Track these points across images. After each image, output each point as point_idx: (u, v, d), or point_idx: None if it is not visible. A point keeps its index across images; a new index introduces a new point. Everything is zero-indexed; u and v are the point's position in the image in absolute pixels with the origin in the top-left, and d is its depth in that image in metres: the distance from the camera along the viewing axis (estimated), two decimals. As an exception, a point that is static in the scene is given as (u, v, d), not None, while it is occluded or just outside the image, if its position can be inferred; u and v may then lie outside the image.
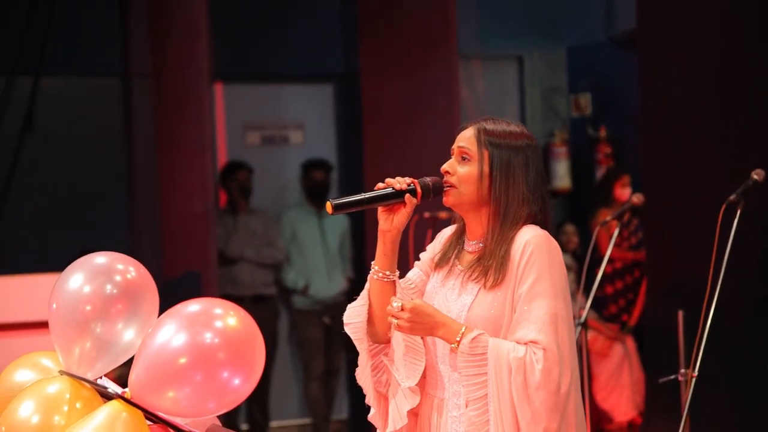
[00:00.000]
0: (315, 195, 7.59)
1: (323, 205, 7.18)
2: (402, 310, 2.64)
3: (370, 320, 2.77)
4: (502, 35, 8.99)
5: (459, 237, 2.83)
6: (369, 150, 6.79)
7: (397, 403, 2.74)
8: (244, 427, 7.67)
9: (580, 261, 7.50)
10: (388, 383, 2.80)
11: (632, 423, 7.78)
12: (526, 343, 2.62)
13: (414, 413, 2.78)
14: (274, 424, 7.73)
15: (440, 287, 2.79)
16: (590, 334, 7.81)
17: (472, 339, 2.63)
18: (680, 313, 4.37)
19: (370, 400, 2.82)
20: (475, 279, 2.71)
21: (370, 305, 2.77)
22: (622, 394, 7.77)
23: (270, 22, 8.00)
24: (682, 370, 4.24)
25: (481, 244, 2.76)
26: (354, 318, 2.78)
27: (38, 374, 2.64)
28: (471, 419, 2.63)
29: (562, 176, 8.97)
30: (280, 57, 8.02)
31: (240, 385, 2.36)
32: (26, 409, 2.45)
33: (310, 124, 8.18)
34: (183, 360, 2.31)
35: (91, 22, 7.51)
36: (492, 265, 2.69)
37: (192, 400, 2.32)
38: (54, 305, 2.57)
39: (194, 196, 6.13)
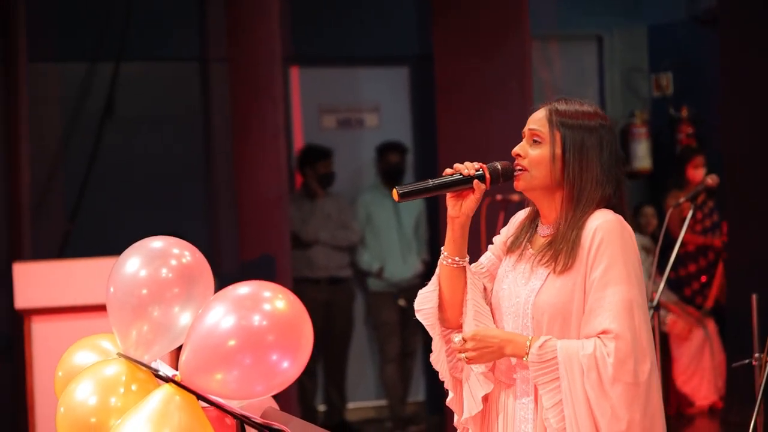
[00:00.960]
0: (390, 178, 7.60)
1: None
2: (464, 342, 2.61)
3: (441, 306, 2.73)
4: (580, 14, 8.87)
5: (532, 221, 2.77)
6: (443, 132, 6.76)
7: (471, 388, 2.71)
8: (322, 408, 7.73)
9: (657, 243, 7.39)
10: (462, 368, 2.76)
11: (713, 407, 7.67)
12: (597, 335, 2.55)
13: (485, 398, 2.74)
14: (350, 405, 7.78)
15: (511, 271, 2.73)
16: (670, 318, 7.71)
17: (540, 346, 2.58)
18: (754, 297, 4.28)
19: (447, 384, 2.79)
20: (545, 263, 2.66)
21: (440, 291, 2.73)
22: (703, 378, 7.66)
23: (345, 5, 8.01)
24: (756, 355, 4.16)
25: (554, 229, 2.69)
26: (425, 304, 2.74)
27: (98, 356, 2.70)
28: (552, 426, 2.58)
29: (642, 157, 8.84)
30: (355, 40, 8.03)
31: (288, 368, 2.37)
32: (84, 391, 2.50)
33: (385, 106, 8.18)
34: (232, 342, 2.34)
35: (169, 7, 7.59)
36: (562, 249, 2.62)
37: (240, 382, 2.34)
38: (111, 289, 2.62)
39: (268, 181, 6.17)
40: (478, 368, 2.69)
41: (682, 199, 4.93)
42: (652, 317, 4.81)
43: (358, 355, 7.81)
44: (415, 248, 7.61)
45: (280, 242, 6.08)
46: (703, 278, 7.76)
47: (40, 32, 7.26)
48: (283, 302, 2.38)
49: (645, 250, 7.73)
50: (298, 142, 7.94)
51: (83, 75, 7.43)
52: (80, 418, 2.47)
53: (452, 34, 6.70)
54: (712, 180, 4.96)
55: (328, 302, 7.47)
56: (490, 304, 2.75)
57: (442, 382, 2.83)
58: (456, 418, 2.79)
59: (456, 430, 2.82)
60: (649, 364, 2.55)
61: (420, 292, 2.77)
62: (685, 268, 7.83)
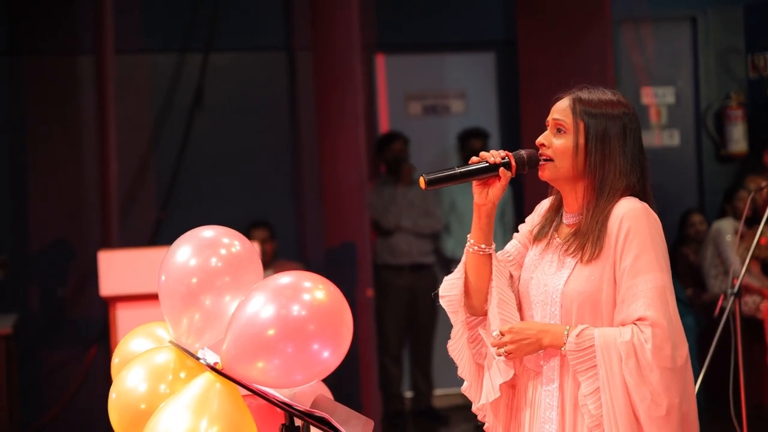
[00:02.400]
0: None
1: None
2: (501, 335, 2.63)
3: (466, 292, 2.76)
4: (673, -5, 8.72)
5: (557, 209, 2.79)
6: (526, 118, 6.72)
7: (491, 375, 2.73)
8: (408, 394, 7.76)
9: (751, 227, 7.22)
10: (485, 355, 2.79)
11: (810, 396, 7.48)
12: (633, 323, 2.57)
13: (512, 386, 2.77)
14: (437, 392, 7.79)
15: (539, 260, 2.75)
16: (764, 304, 7.53)
17: (578, 335, 2.60)
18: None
19: (463, 372, 2.82)
20: (572, 253, 2.67)
21: (466, 278, 2.75)
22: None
23: (430, -9, 8.00)
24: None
25: (579, 217, 2.70)
26: (450, 291, 2.77)
27: (153, 343, 2.76)
28: (590, 413, 2.59)
29: (738, 140, 8.65)
30: (440, 26, 8.01)
31: (328, 358, 2.39)
32: (135, 378, 2.56)
33: (471, 92, 8.14)
34: (271, 332, 2.36)
35: (256, -2, 7.69)
36: (589, 239, 2.64)
37: (280, 371, 2.37)
38: (162, 277, 2.67)
39: (349, 168, 6.21)
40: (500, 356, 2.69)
41: (764, 184, 4.84)
42: (733, 303, 4.74)
43: (444, 341, 7.77)
44: (500, 235, 7.57)
45: (361, 229, 6.11)
46: None
47: (131, 25, 7.42)
48: (322, 293, 2.41)
49: (741, 235, 7.57)
50: (384, 130, 7.96)
51: (173, 66, 7.57)
52: (131, 404, 2.53)
53: (535, 20, 6.65)
54: (795, 164, 4.84)
55: (411, 289, 7.49)
56: (517, 292, 2.78)
57: (459, 372, 2.85)
58: (474, 405, 2.82)
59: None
60: (685, 349, 2.57)
61: (445, 278, 2.80)
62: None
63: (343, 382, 6.76)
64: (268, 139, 7.69)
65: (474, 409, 2.84)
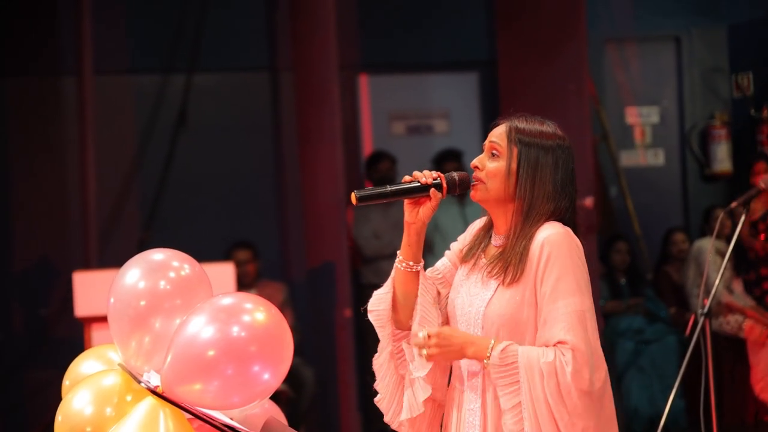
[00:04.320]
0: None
1: (464, 194, 7.17)
2: (429, 337, 2.66)
3: (394, 307, 2.82)
4: (657, 15, 8.75)
5: (487, 231, 2.84)
6: (506, 138, 6.75)
7: (414, 391, 2.78)
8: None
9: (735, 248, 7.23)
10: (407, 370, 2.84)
11: (793, 415, 7.47)
12: (555, 344, 2.63)
13: (440, 404, 2.82)
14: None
15: (464, 280, 2.81)
16: (747, 323, 7.53)
17: (502, 350, 2.65)
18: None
19: (380, 385, 2.88)
20: (495, 275, 2.73)
21: (394, 293, 2.82)
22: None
23: (413, 12, 8.03)
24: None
25: (506, 239, 2.76)
26: (378, 305, 2.85)
27: (103, 365, 2.76)
28: (508, 427, 2.64)
29: (722, 159, 8.67)
30: (423, 46, 8.04)
31: (269, 379, 2.40)
32: (81, 400, 2.56)
33: (454, 112, 8.17)
34: (211, 353, 2.37)
35: (239, 18, 7.71)
36: (511, 261, 2.70)
37: (219, 392, 2.37)
38: (111, 300, 2.68)
39: (327, 188, 6.23)
40: (419, 372, 2.75)
41: (733, 204, 4.85)
42: (703, 324, 4.74)
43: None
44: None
45: (339, 249, 6.13)
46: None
47: (114, 45, 7.45)
48: (263, 314, 2.41)
49: (719, 253, 7.58)
50: (368, 150, 7.98)
51: (157, 86, 7.59)
52: (76, 427, 2.53)
53: (515, 40, 6.69)
54: (765, 183, 4.85)
55: (395, 308, 7.48)
56: (444, 310, 2.83)
57: (375, 385, 2.91)
58: (386, 416, 2.89)
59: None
60: (603, 373, 2.63)
61: (375, 293, 2.88)
62: (757, 271, 7.65)
63: (321, 402, 6.76)
64: (252, 159, 7.71)
65: (386, 419, 2.90)
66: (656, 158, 8.80)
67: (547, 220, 2.71)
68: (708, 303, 4.73)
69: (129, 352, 2.65)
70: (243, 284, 6.77)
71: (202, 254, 5.19)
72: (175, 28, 7.53)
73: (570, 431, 2.58)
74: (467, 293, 2.76)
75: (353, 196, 2.73)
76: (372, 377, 8.15)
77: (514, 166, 2.72)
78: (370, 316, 2.86)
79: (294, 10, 7.01)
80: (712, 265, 6.79)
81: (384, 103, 8.05)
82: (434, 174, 2.77)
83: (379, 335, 2.87)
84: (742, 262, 7.49)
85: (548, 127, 2.77)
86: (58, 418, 2.59)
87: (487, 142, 2.78)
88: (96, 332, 5.30)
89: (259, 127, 7.74)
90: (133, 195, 7.57)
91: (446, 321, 2.82)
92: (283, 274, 7.58)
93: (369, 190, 2.75)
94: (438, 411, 2.83)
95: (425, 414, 2.80)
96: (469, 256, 2.83)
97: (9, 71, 7.39)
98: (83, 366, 2.78)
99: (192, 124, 7.61)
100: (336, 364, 6.18)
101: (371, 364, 8.51)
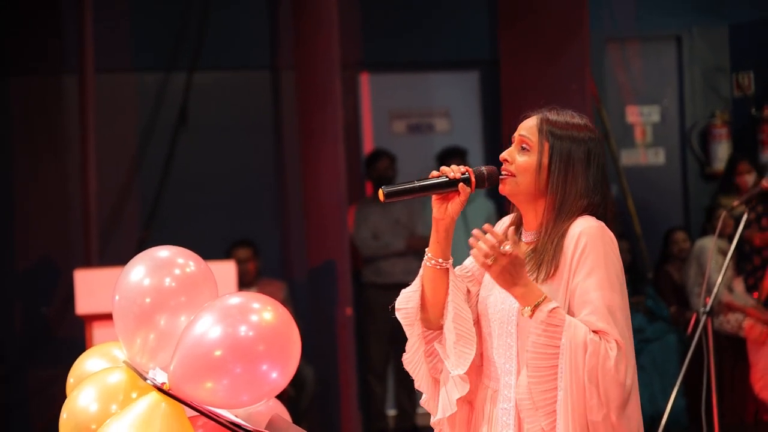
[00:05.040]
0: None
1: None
2: (505, 255, 2.54)
3: (422, 306, 2.75)
4: (659, 15, 8.76)
5: (517, 227, 2.78)
6: (507, 137, 6.75)
7: (447, 390, 2.72)
8: (392, 413, 7.75)
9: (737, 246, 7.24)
10: (441, 369, 2.78)
11: (793, 414, 7.48)
12: (597, 331, 2.57)
13: (469, 402, 2.77)
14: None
15: None
16: (747, 322, 7.54)
17: (552, 309, 2.56)
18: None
19: (420, 385, 2.81)
20: (528, 272, 2.65)
21: (422, 291, 2.74)
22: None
23: (415, 11, 8.04)
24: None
25: (537, 235, 2.70)
26: (406, 304, 2.76)
27: (108, 363, 2.76)
28: (525, 385, 2.58)
29: (722, 158, 8.67)
30: (425, 45, 8.04)
31: (277, 378, 2.40)
32: (86, 397, 2.56)
33: (455, 111, 8.17)
34: (218, 352, 2.37)
35: (241, 17, 7.72)
36: (545, 257, 2.64)
37: (228, 391, 2.37)
38: (116, 297, 2.68)
39: (329, 187, 6.23)
40: (456, 371, 2.70)
41: (736, 203, 4.86)
42: (705, 321, 4.75)
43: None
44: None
45: (340, 247, 6.13)
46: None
47: (116, 43, 7.45)
48: (270, 314, 2.41)
49: (721, 252, 7.58)
50: (368, 148, 7.98)
51: (158, 85, 7.60)
52: (81, 425, 2.54)
53: (517, 40, 6.69)
54: (767, 182, 4.86)
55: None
56: (475, 308, 2.77)
57: (417, 385, 2.83)
58: (432, 417, 2.81)
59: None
60: (633, 371, 2.59)
61: (402, 291, 2.79)
62: (751, 262, 7.67)
63: (322, 401, 6.76)
64: (253, 158, 7.71)
65: (432, 422, 2.83)
66: (657, 157, 8.81)
67: (581, 215, 2.65)
68: (710, 302, 4.73)
69: (134, 349, 2.65)
70: (243, 283, 6.77)
71: (202, 253, 5.18)
72: (177, 27, 7.54)
73: (591, 412, 2.53)
74: (500, 291, 2.68)
75: (381, 192, 2.66)
76: (373, 377, 8.12)
77: (545, 160, 2.65)
78: (398, 315, 2.77)
79: (296, 9, 7.01)
80: (714, 264, 6.80)
81: (385, 102, 8.06)
82: (462, 168, 2.71)
83: (408, 334, 2.79)
84: (745, 261, 7.51)
85: (580, 120, 2.70)
86: (63, 415, 2.59)
87: (516, 134, 2.72)
88: (97, 330, 5.30)
89: (260, 126, 7.74)
90: (133, 194, 7.57)
91: (477, 319, 2.75)
92: (283, 272, 7.58)
93: (396, 185, 2.69)
94: (470, 409, 2.77)
95: (458, 413, 2.74)
96: None
97: (11, 70, 7.39)
98: (88, 363, 2.78)
99: (193, 122, 7.61)
100: (337, 363, 6.19)
101: (372, 363, 8.49)
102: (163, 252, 2.72)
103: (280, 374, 2.40)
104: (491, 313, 2.72)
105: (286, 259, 7.62)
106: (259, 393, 2.39)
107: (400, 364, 8.52)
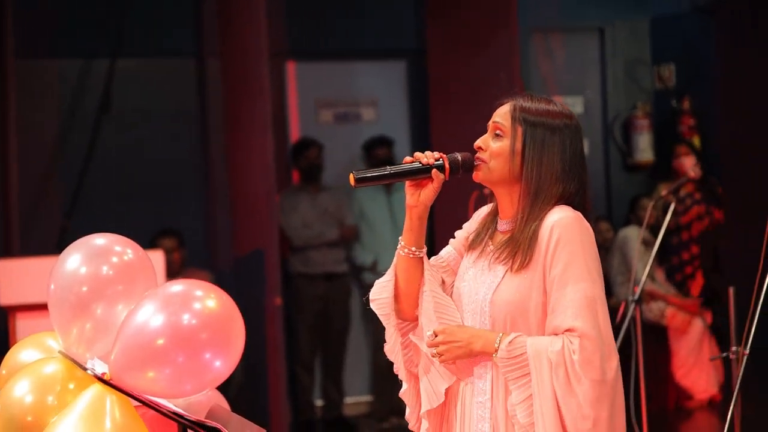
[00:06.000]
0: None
1: (391, 183, 7.14)
2: (435, 336, 2.59)
3: (396, 296, 2.70)
4: (582, 6, 8.83)
5: (494, 216, 2.74)
6: (435, 126, 6.75)
7: (431, 381, 2.68)
8: (319, 403, 7.72)
9: (654, 235, 7.35)
10: (417, 362, 2.73)
11: (713, 400, 7.61)
12: (563, 332, 2.54)
13: (445, 392, 2.71)
14: (348, 400, 7.77)
15: (471, 267, 2.70)
16: (669, 311, 7.66)
17: (509, 342, 2.55)
18: (731, 290, 4.24)
19: (402, 375, 2.76)
20: (502, 261, 2.63)
21: (396, 281, 2.69)
22: (702, 371, 7.60)
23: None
24: (734, 348, 4.11)
25: (513, 224, 2.66)
26: (380, 294, 2.71)
27: (42, 354, 2.69)
28: (519, 422, 2.56)
29: (644, 149, 8.80)
30: (352, 34, 8.01)
31: (220, 367, 2.36)
32: (21, 389, 2.49)
33: (382, 101, 8.15)
34: (161, 341, 2.32)
35: (165, 3, 7.60)
36: (520, 247, 2.60)
37: (171, 380, 2.33)
38: (52, 286, 2.61)
39: (257, 176, 6.17)
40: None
41: (664, 192, 4.92)
42: (633, 310, 4.80)
43: (355, 350, 7.80)
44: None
45: (269, 237, 6.08)
46: (689, 269, 7.72)
47: (37, 29, 7.29)
48: (214, 301, 2.37)
49: (643, 242, 7.69)
50: (295, 137, 7.93)
51: (79, 71, 7.45)
52: (16, 416, 2.47)
53: (445, 29, 6.68)
54: (694, 172, 4.94)
55: (324, 298, 7.47)
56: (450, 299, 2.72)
57: (399, 375, 2.78)
58: (408, 411, 2.77)
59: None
60: (615, 362, 2.53)
61: (376, 282, 2.73)
62: (679, 256, 7.80)
63: (251, 391, 6.70)
64: (177, 146, 7.61)
65: (407, 416, 2.78)
66: (580, 148, 8.89)
67: (557, 203, 2.60)
68: (638, 290, 4.79)
69: (70, 339, 2.59)
70: (169, 272, 6.68)
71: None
72: (99, 12, 7.39)
73: (581, 424, 2.49)
74: (473, 280, 2.66)
75: (351, 177, 2.59)
76: (301, 367, 8.05)
77: (518, 146, 2.62)
78: (373, 306, 2.72)
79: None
80: (638, 253, 6.88)
81: (311, 91, 8.01)
82: (436, 155, 2.63)
83: (385, 324, 2.74)
84: (665, 250, 7.62)
85: (555, 106, 2.65)
86: (-3, 407, 2.52)
87: (490, 122, 2.67)
88: (21, 321, 5.18)
89: (185, 114, 7.64)
90: (55, 182, 7.42)
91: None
92: (209, 262, 7.49)
93: (368, 171, 2.62)
94: (443, 402, 2.70)
95: (443, 406, 2.69)
96: (476, 243, 2.72)
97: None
98: (22, 354, 2.71)
99: (117, 110, 7.48)
100: (266, 353, 6.13)
101: (300, 354, 8.43)
102: (99, 239, 2.66)
103: (223, 362, 2.36)
104: (465, 304, 2.68)
105: (212, 249, 7.54)
106: (202, 382, 2.35)
107: (327, 354, 8.49)
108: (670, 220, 4.92)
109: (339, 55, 8.08)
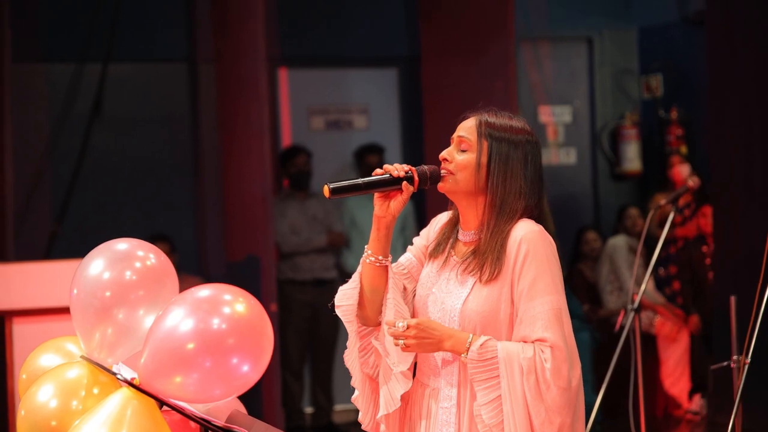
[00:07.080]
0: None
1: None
2: (408, 328, 2.64)
3: (360, 303, 2.77)
4: (571, 16, 8.88)
5: (453, 226, 2.81)
6: (429, 134, 6.77)
7: (389, 387, 2.74)
8: (309, 410, 7.72)
9: (646, 245, 7.39)
10: (375, 366, 2.80)
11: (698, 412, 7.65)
12: (533, 341, 2.63)
13: (404, 399, 2.78)
14: (338, 407, 7.77)
15: (436, 278, 2.78)
16: (658, 320, 7.70)
17: (481, 345, 2.64)
18: (732, 299, 4.27)
19: (355, 382, 2.83)
20: (470, 272, 2.71)
21: (361, 288, 2.76)
22: (690, 380, 7.65)
23: (334, 6, 8.01)
24: (735, 357, 4.15)
25: (477, 235, 2.74)
26: (345, 301, 2.78)
27: (62, 359, 2.68)
28: (484, 422, 2.64)
29: (632, 159, 8.85)
30: (344, 41, 8.02)
31: (248, 372, 2.36)
32: (45, 394, 2.49)
33: (374, 108, 8.17)
34: (191, 345, 2.32)
35: (157, 8, 7.59)
36: (488, 258, 2.69)
37: (199, 385, 2.33)
38: (75, 291, 2.60)
39: (252, 181, 6.17)
40: (398, 367, 2.72)
41: (663, 202, 4.95)
42: (633, 319, 4.83)
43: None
44: (400, 249, 7.60)
45: (265, 243, 6.07)
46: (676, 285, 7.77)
47: (28, 33, 7.26)
48: (243, 305, 2.37)
49: (632, 251, 7.73)
50: (286, 143, 7.93)
51: (71, 76, 7.42)
52: (41, 421, 2.46)
53: (439, 37, 6.71)
54: (693, 182, 4.97)
55: (313, 304, 7.46)
56: (411, 306, 2.80)
57: (352, 382, 2.85)
58: (361, 415, 2.84)
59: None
60: (579, 370, 2.66)
61: (341, 288, 2.81)
62: (666, 269, 7.84)
63: (245, 399, 6.69)
64: (169, 151, 7.59)
65: (360, 418, 2.85)
66: (568, 157, 8.94)
67: (521, 216, 2.70)
68: (638, 299, 4.82)
69: (92, 344, 2.58)
70: (160, 278, 6.67)
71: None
72: (91, 17, 7.37)
73: (547, 427, 2.59)
74: (440, 291, 2.74)
75: (326, 189, 2.67)
76: (290, 374, 8.05)
77: (484, 159, 2.70)
78: (338, 312, 2.79)
79: (216, 1, 6.92)
80: (629, 263, 6.92)
81: (303, 98, 8.01)
82: (406, 167, 2.73)
83: (348, 330, 2.81)
84: (658, 263, 7.65)
85: (517, 122, 2.75)
86: (21, 412, 2.51)
87: (455, 135, 2.76)
88: (17, 326, 5.14)
89: (177, 119, 7.63)
90: (46, 186, 7.38)
91: (412, 316, 2.78)
92: (201, 268, 7.48)
93: (342, 182, 2.69)
94: (404, 405, 2.78)
95: (395, 411, 2.75)
96: (437, 252, 2.80)
97: None
98: (42, 359, 2.70)
99: (108, 114, 7.46)
100: (259, 359, 6.12)
101: (289, 361, 8.43)
102: (121, 244, 2.65)
103: (252, 368, 2.36)
104: (431, 312, 2.75)
105: (203, 255, 7.53)
106: (231, 387, 2.35)
107: (317, 361, 8.49)
108: (669, 231, 4.95)
109: (331, 62, 8.09)
